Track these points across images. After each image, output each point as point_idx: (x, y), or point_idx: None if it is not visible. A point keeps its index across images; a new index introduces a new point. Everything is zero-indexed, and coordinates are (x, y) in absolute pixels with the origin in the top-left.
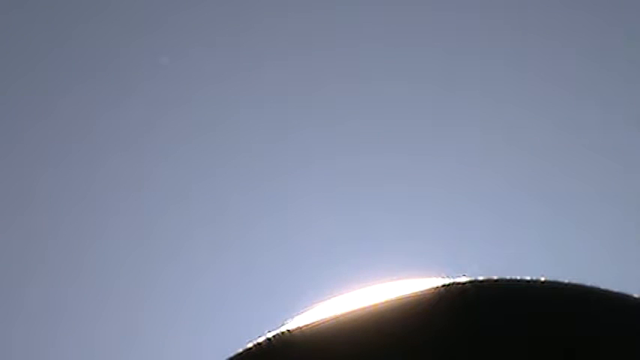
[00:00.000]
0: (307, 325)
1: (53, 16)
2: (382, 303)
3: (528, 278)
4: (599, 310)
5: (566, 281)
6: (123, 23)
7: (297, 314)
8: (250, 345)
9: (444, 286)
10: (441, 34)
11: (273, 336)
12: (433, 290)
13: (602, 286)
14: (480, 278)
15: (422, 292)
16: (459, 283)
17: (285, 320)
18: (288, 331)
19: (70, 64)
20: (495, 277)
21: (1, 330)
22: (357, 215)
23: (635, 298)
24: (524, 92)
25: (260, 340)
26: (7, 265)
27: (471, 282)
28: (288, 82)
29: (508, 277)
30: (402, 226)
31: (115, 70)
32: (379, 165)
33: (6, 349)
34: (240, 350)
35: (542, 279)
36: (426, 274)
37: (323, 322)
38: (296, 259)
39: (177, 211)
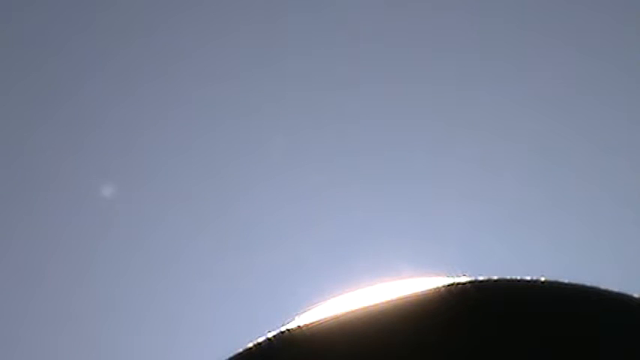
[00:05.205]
0: (307, 325)
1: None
2: (383, 303)
3: (528, 278)
4: (599, 310)
5: (566, 281)
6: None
7: (297, 314)
8: (250, 345)
9: (444, 286)
10: (442, 34)
11: (273, 336)
12: (433, 290)
13: (602, 286)
14: (480, 278)
15: (422, 292)
16: (459, 283)
17: (285, 320)
18: (288, 331)
19: (70, 64)
20: (495, 277)
21: (2, 330)
22: (357, 215)
23: (635, 298)
24: (524, 91)
25: (260, 340)
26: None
27: (471, 282)
28: (290, 82)
29: (508, 277)
30: (403, 226)
31: (117, 69)
32: (380, 165)
33: (7, 349)
34: (240, 350)
35: (542, 279)
36: (426, 274)
37: (323, 322)
38: (296, 259)
39: (178, 211)
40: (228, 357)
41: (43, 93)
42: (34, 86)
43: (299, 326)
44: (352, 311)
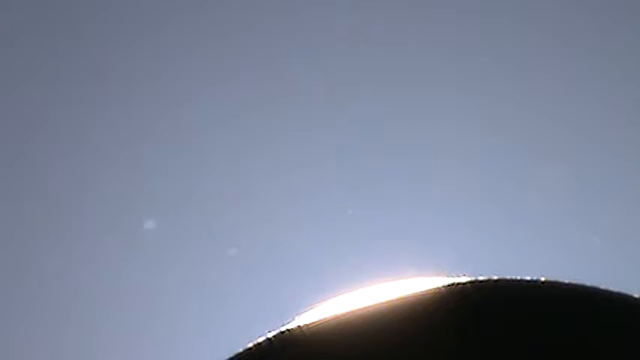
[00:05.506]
0: (308, 325)
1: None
2: (383, 303)
3: (528, 278)
4: (599, 310)
5: (566, 281)
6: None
7: (298, 314)
8: (250, 345)
9: (444, 286)
10: (442, 34)
11: (273, 336)
12: (433, 290)
13: (602, 286)
14: (480, 278)
15: (422, 292)
16: (459, 283)
17: (286, 320)
18: (289, 331)
19: (71, 64)
20: (495, 277)
21: (3, 328)
22: (357, 215)
23: (635, 298)
24: (524, 91)
25: (260, 340)
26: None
27: (471, 282)
28: (291, 82)
29: (508, 277)
30: (403, 226)
31: (116, 70)
32: (380, 165)
33: (7, 348)
34: (240, 350)
35: (542, 279)
36: (426, 274)
37: (324, 322)
38: (297, 259)
39: (178, 210)
40: (228, 357)
41: (80, 131)
42: (71, 127)
43: (299, 326)
44: (352, 311)
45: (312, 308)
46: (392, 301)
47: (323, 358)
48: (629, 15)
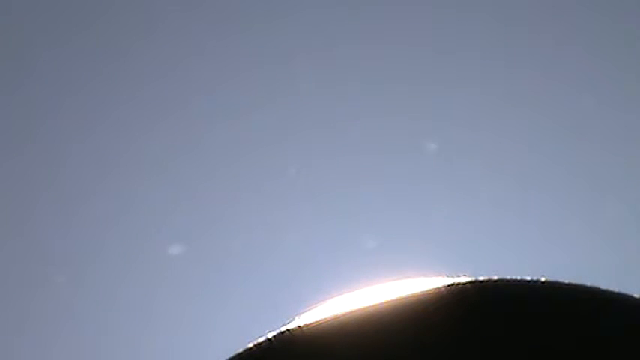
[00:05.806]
0: (308, 325)
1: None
2: (383, 303)
3: (528, 278)
4: (599, 310)
5: (566, 281)
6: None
7: (298, 314)
8: (250, 345)
9: (444, 286)
10: (442, 34)
11: (273, 336)
12: (433, 290)
13: (602, 286)
14: (480, 278)
15: (422, 292)
16: (459, 283)
17: (286, 320)
18: (289, 331)
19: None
20: (495, 277)
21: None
22: (357, 215)
23: (635, 298)
24: (524, 91)
25: (260, 340)
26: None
27: (471, 282)
28: (291, 82)
29: (508, 277)
30: (403, 225)
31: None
32: (380, 164)
33: (7, 349)
34: (241, 350)
35: (542, 279)
36: (426, 274)
37: (324, 322)
38: (297, 259)
39: (178, 210)
40: (228, 357)
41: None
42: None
43: (299, 326)
44: (352, 311)
45: (312, 308)
46: (392, 301)
47: (323, 358)
48: (629, 15)
